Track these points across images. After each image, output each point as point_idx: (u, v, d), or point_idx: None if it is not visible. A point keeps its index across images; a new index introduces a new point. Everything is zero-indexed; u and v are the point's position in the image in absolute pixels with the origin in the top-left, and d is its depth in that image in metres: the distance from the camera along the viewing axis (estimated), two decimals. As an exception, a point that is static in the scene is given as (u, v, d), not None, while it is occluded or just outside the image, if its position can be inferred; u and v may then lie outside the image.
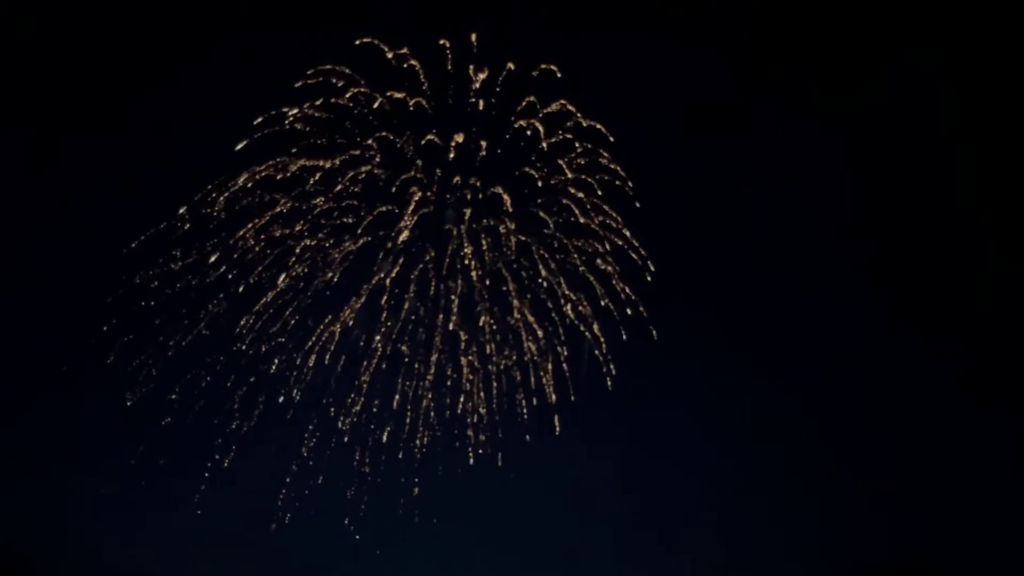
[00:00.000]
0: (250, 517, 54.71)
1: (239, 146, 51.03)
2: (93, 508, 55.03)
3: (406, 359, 53.68)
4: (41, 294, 53.96)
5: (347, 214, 52.30)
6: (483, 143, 52.08)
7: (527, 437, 54.40)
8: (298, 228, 52.02)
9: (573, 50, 53.54)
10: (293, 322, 52.60)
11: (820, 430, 58.95)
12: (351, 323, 52.94)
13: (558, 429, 54.28)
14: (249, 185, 51.56)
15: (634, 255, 53.32)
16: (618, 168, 52.93)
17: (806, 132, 57.52)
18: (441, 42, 51.59)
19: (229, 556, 55.33)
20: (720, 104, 57.26)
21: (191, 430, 53.00)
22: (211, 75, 53.87)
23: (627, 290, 53.47)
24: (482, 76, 51.52)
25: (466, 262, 52.93)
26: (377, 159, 51.96)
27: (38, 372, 53.84)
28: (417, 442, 54.10)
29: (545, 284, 53.47)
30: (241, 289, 52.04)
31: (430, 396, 53.81)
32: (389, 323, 53.18)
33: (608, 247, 53.34)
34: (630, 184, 53.10)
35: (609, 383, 54.27)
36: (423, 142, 52.05)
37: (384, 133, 51.89)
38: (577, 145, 52.82)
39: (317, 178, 51.94)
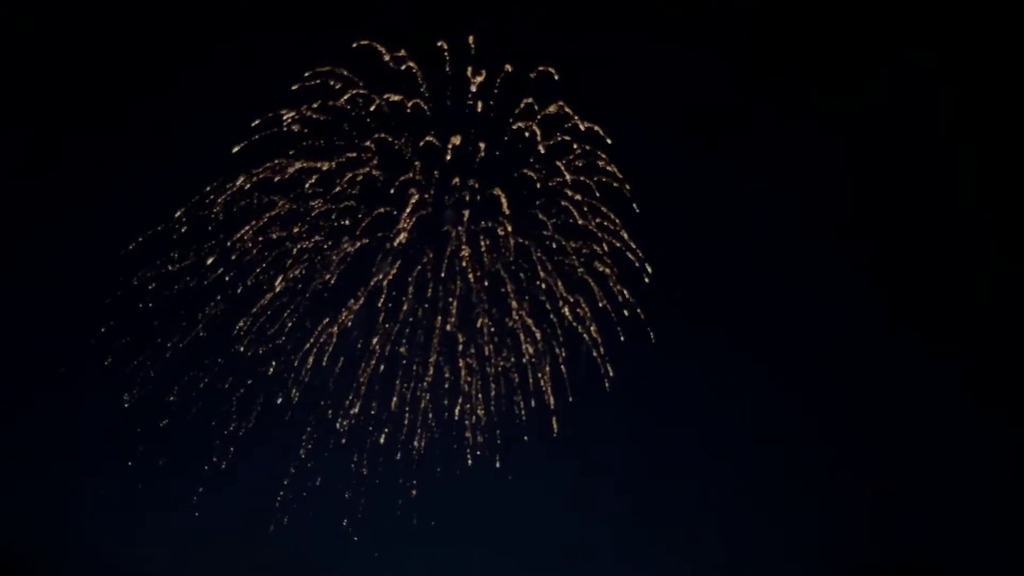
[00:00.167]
0: (248, 518, 54.89)
1: (236, 148, 50.99)
2: (92, 509, 55.31)
3: (404, 361, 53.63)
4: (40, 295, 54.02)
5: (345, 216, 52.25)
6: (481, 145, 52.01)
7: (525, 438, 54.41)
8: (296, 230, 52.01)
9: (572, 50, 53.51)
10: (291, 324, 52.65)
11: (820, 430, 59.00)
12: (349, 325, 52.93)
13: (556, 431, 54.28)
14: (247, 187, 51.56)
15: (632, 257, 53.30)
16: (615, 170, 52.91)
17: (806, 132, 57.35)
18: (439, 44, 51.49)
19: (228, 557, 55.45)
20: (720, 104, 57.13)
21: (189, 431, 53.16)
22: (209, 77, 53.89)
23: (625, 292, 53.43)
24: (479, 79, 51.39)
25: (464, 264, 52.84)
26: (375, 161, 51.92)
27: (37, 372, 53.80)
28: (415, 444, 54.12)
29: (544, 286, 53.44)
30: (239, 291, 52.05)
31: (428, 398, 53.85)
32: (387, 325, 53.18)
33: (606, 248, 53.32)
34: (627, 186, 52.99)
35: (607, 385, 54.27)
36: (421, 143, 52.03)
37: (382, 135, 51.83)
38: (575, 146, 52.76)
39: (315, 180, 51.90)
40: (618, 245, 53.17)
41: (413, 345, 53.41)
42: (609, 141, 52.87)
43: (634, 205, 53.19)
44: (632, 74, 55.49)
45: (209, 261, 51.53)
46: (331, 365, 53.09)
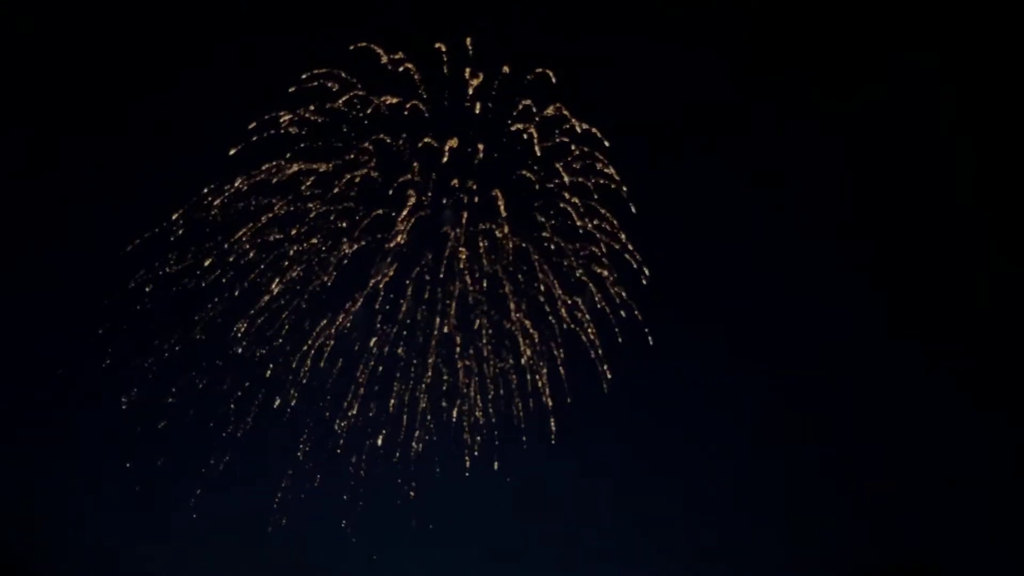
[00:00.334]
0: (247, 519, 54.87)
1: (233, 151, 51.02)
2: (92, 510, 55.33)
3: (402, 363, 53.62)
4: (38, 296, 54.03)
5: (343, 217, 52.26)
6: (480, 146, 51.99)
7: (523, 439, 54.42)
8: (294, 232, 51.98)
9: (572, 50, 53.51)
10: (289, 326, 52.60)
11: (820, 430, 58.75)
12: (348, 327, 52.93)
13: (554, 433, 54.26)
14: (244, 189, 51.55)
15: (630, 258, 53.28)
16: (613, 172, 52.86)
17: (806, 132, 57.30)
18: (437, 46, 51.48)
19: (227, 558, 55.44)
20: (720, 104, 57.10)
21: (188, 433, 53.15)
22: (207, 79, 53.91)
23: (623, 293, 53.44)
24: (475, 82, 51.37)
25: (461, 266, 52.86)
26: (373, 162, 51.91)
27: (36, 373, 53.87)
28: (414, 445, 54.14)
29: (542, 287, 53.41)
30: (237, 293, 52.08)
31: (426, 399, 53.79)
32: (385, 326, 53.18)
33: (604, 250, 53.33)
34: (624, 188, 53.00)
35: (605, 387, 54.30)
36: (420, 145, 51.99)
37: (380, 136, 51.83)
38: (573, 148, 52.75)
39: (313, 181, 51.89)
40: (616, 247, 53.14)
41: (411, 346, 53.41)
42: (607, 144, 52.78)
43: (631, 207, 53.10)
44: (632, 74, 55.41)
45: (207, 263, 51.50)
46: (329, 367, 53.15)
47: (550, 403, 53.99)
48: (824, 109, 56.84)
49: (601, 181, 52.89)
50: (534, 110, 51.94)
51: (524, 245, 52.89)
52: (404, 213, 52.12)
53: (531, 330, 53.66)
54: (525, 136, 51.96)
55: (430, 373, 53.69)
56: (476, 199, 52.30)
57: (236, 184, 51.50)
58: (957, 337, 58.18)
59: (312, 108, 51.42)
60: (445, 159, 51.50)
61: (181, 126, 53.63)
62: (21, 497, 54.57)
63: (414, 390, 53.69)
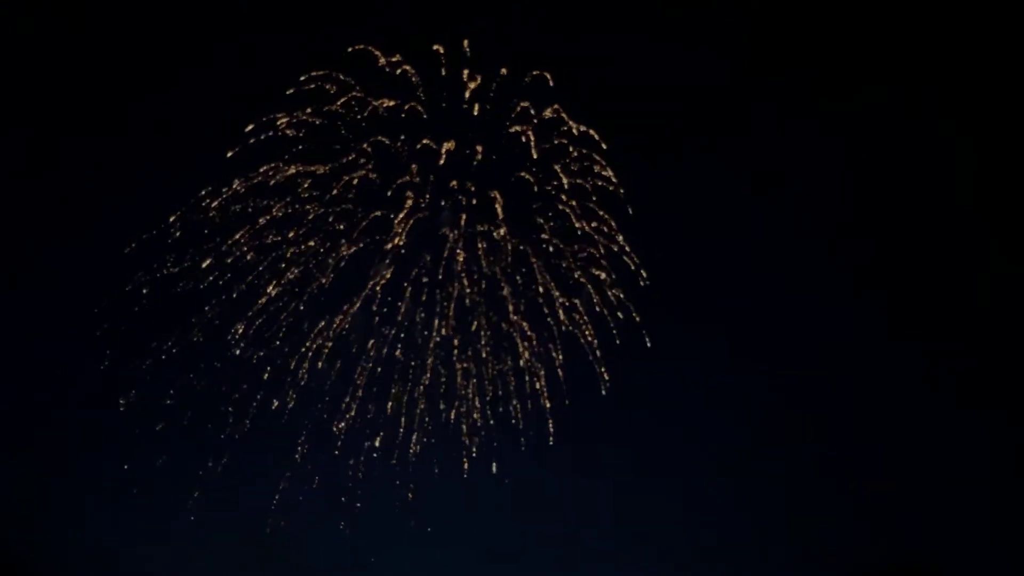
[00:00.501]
0: (246, 521, 54.90)
1: (231, 153, 51.05)
2: (90, 511, 55.28)
3: (400, 364, 53.65)
4: (37, 297, 54.09)
5: (341, 219, 52.26)
6: (478, 148, 51.98)
7: (522, 440, 54.42)
8: (292, 234, 51.99)
9: (571, 50, 53.51)
10: (287, 327, 52.60)
11: (820, 430, 58.71)
12: (346, 328, 52.91)
13: (552, 434, 54.27)
14: (242, 191, 51.58)
15: (628, 260, 53.30)
16: (611, 174, 52.86)
17: (806, 132, 57.29)
18: (435, 48, 51.50)
19: (225, 559, 55.47)
20: (720, 104, 57.11)
21: (186, 434, 53.11)
22: (205, 81, 53.97)
23: (621, 295, 53.46)
24: (473, 85, 51.38)
25: (459, 269, 52.90)
26: (371, 164, 51.91)
27: (35, 374, 53.99)
28: (412, 447, 54.14)
29: (540, 289, 53.42)
30: (235, 295, 52.09)
31: (424, 402, 53.83)
32: (384, 328, 53.18)
33: (602, 251, 53.33)
34: (622, 191, 53.02)
35: (603, 389, 54.33)
36: (418, 147, 51.98)
37: (378, 138, 51.82)
38: (571, 150, 52.73)
39: (311, 183, 51.88)
40: (615, 249, 53.13)
41: (410, 348, 53.40)
42: (604, 146, 52.77)
43: (629, 209, 53.13)
44: (632, 74, 55.35)
45: (205, 264, 51.51)
46: (328, 368, 53.10)
47: (548, 404, 53.94)
48: (824, 109, 56.76)
49: (599, 183, 52.83)
50: (532, 112, 51.89)
51: (522, 247, 52.90)
52: (402, 215, 52.10)
53: (529, 332, 53.64)
54: (523, 138, 51.87)
55: (428, 375, 53.71)
56: (474, 201, 52.23)
57: (234, 186, 51.48)
58: (957, 337, 58.02)
59: (310, 110, 51.39)
60: (442, 161, 51.36)
61: (179, 128, 53.67)
62: (20, 498, 54.49)
63: (412, 392, 53.62)
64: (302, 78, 51.42)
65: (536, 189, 52.61)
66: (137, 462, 53.52)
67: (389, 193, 52.19)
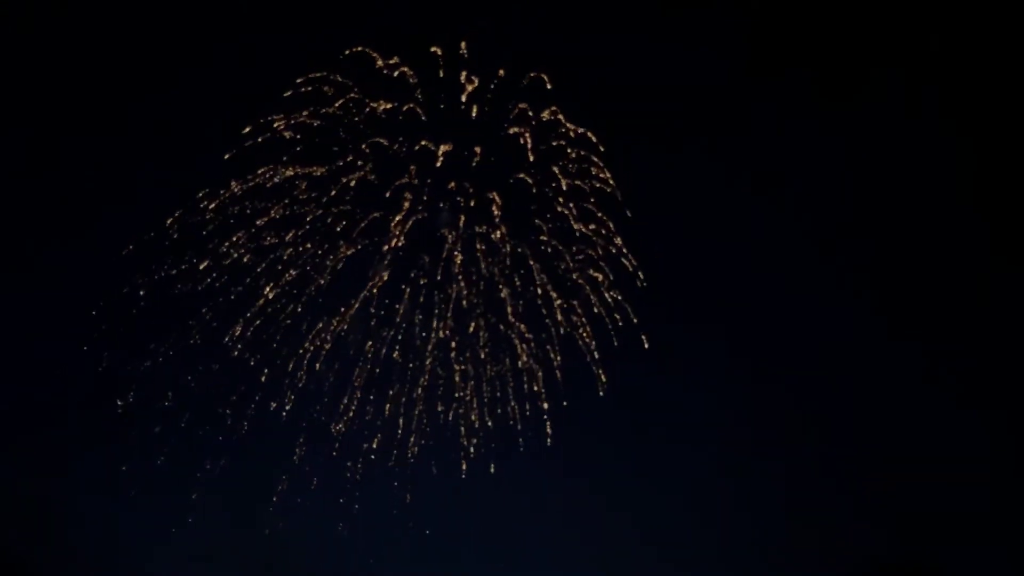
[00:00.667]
0: (244, 523, 54.98)
1: (228, 155, 51.10)
2: (90, 512, 55.32)
3: (399, 366, 53.70)
4: (35, 298, 54.09)
5: (339, 221, 52.29)
6: (477, 149, 52.00)
7: (520, 441, 54.48)
8: (289, 236, 52.05)
9: (571, 51, 53.52)
10: (285, 329, 52.64)
11: (820, 430, 58.70)
12: (344, 330, 52.94)
13: (550, 436, 54.31)
14: (239, 193, 51.60)
15: (626, 262, 53.33)
16: (608, 176, 52.90)
17: (806, 132, 57.27)
18: (432, 50, 51.51)
19: (223, 561, 55.51)
20: (720, 104, 57.10)
21: (184, 436, 53.20)
22: (202, 83, 53.96)
23: (619, 297, 53.49)
24: (471, 87, 51.40)
25: (456, 271, 52.94)
26: (369, 165, 51.94)
27: (33, 375, 54.02)
28: (410, 449, 54.17)
29: (539, 291, 53.45)
30: (233, 297, 52.13)
31: (423, 403, 53.87)
32: (382, 330, 53.21)
33: (600, 252, 53.36)
34: (619, 192, 53.08)
35: (601, 392, 54.39)
36: (416, 148, 52.00)
37: (376, 139, 51.86)
38: (570, 151, 52.77)
39: (308, 185, 51.90)
40: (612, 250, 53.16)
41: (407, 350, 53.44)
42: (602, 148, 52.83)
43: (627, 211, 53.15)
44: (631, 74, 55.35)
45: (202, 266, 51.55)
46: (325, 370, 53.09)
47: (546, 406, 53.96)
48: (824, 109, 56.76)
49: (596, 184, 52.86)
50: (530, 113, 51.88)
51: (519, 249, 52.94)
52: (400, 216, 52.10)
53: (527, 333, 53.66)
54: (521, 140, 51.86)
55: (427, 376, 53.72)
56: (472, 202, 52.28)
57: (232, 188, 51.47)
58: (957, 337, 57.94)
59: (307, 112, 51.41)
60: (440, 163, 51.39)
61: (176, 129, 53.67)
62: (19, 498, 54.53)
63: (411, 393, 53.64)
64: (299, 80, 51.41)
65: (535, 191, 52.57)
66: (136, 463, 53.55)
67: (387, 194, 52.17)
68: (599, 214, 53.36)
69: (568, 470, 56.32)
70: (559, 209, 53.04)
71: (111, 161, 54.66)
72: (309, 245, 52.14)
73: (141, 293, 52.05)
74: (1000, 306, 57.47)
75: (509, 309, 53.50)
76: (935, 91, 56.81)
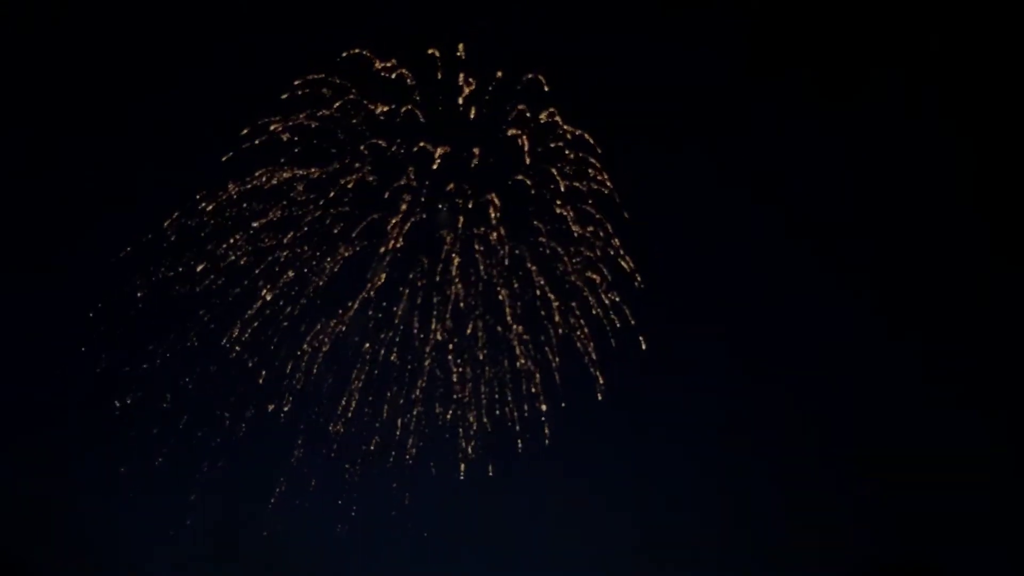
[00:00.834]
0: (243, 524, 55.03)
1: (225, 157, 51.14)
2: (88, 513, 55.27)
3: (396, 368, 53.72)
4: (33, 299, 54.10)
5: (338, 222, 52.33)
6: (476, 151, 52.03)
7: (518, 443, 54.49)
8: (288, 238, 52.10)
9: (570, 51, 53.55)
10: (283, 331, 52.66)
11: (820, 430, 58.68)
12: (342, 332, 52.99)
13: (548, 437, 54.38)
14: (236, 195, 51.66)
15: (624, 263, 53.34)
16: (606, 178, 52.95)
17: (806, 132, 57.25)
18: (430, 51, 51.54)
19: (222, 562, 55.57)
20: (720, 104, 57.09)
21: (182, 437, 53.28)
22: (199, 85, 54.05)
23: (617, 298, 53.51)
24: (468, 90, 51.42)
25: (453, 273, 52.96)
26: (367, 167, 51.97)
27: (30, 377, 54.06)
28: (408, 451, 54.23)
29: (537, 292, 53.49)
30: (231, 298, 52.19)
31: (421, 404, 53.91)
32: (380, 331, 53.25)
33: (598, 253, 53.40)
34: (617, 194, 53.13)
35: (599, 394, 54.42)
36: (415, 149, 52.04)
37: (375, 141, 51.89)
38: (568, 153, 52.79)
39: (306, 187, 51.96)
40: (611, 252, 53.17)
41: (405, 352, 53.47)
42: (599, 150, 52.89)
43: (625, 213, 53.19)
44: (631, 75, 55.35)
45: (200, 268, 51.62)
46: (324, 372, 53.12)
47: (544, 407, 53.97)
48: (824, 109, 56.70)
49: (594, 186, 52.87)
50: (528, 115, 51.89)
51: (517, 251, 52.95)
52: (399, 218, 52.14)
53: (525, 335, 53.69)
54: (520, 142, 51.89)
55: (425, 379, 53.74)
56: (470, 204, 52.31)
57: (229, 189, 51.52)
58: (957, 337, 57.87)
59: (305, 114, 51.45)
60: (435, 166, 51.45)
61: (174, 131, 53.68)
62: (19, 498, 54.62)
63: (409, 395, 53.69)
64: (297, 82, 51.45)
65: (533, 192, 52.63)
66: (134, 464, 53.55)
67: (386, 196, 52.22)
68: (597, 215, 53.33)
69: (567, 471, 56.28)
70: (557, 211, 52.97)
71: (110, 162, 54.59)
72: (307, 247, 52.26)
73: (139, 295, 52.12)
74: (1000, 306, 57.30)
75: (507, 310, 53.52)
76: (935, 91, 56.58)
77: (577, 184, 53.16)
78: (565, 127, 52.41)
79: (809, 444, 58.29)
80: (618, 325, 53.93)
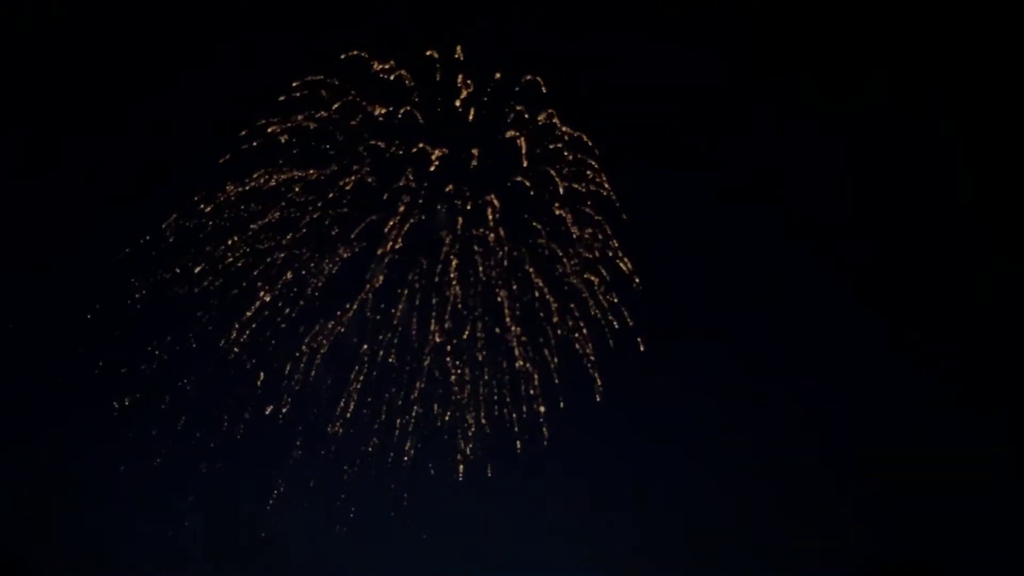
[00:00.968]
0: (241, 525, 55.02)
1: (223, 159, 51.19)
2: (87, 513, 55.29)
3: (395, 369, 53.73)
4: (33, 298, 54.12)
5: (336, 224, 52.37)
6: (474, 152, 52.07)
7: (517, 444, 54.54)
8: (286, 239, 52.13)
9: (570, 51, 53.57)
10: (281, 332, 52.72)
11: (819, 430, 58.66)
12: (341, 333, 53.02)
13: (547, 439, 54.43)
14: (234, 197, 51.70)
15: (622, 265, 53.35)
16: (604, 179, 52.98)
17: (806, 132, 57.23)
18: (428, 53, 51.57)
19: (220, 563, 55.62)
20: (720, 104, 57.08)
21: (180, 439, 53.36)
22: (196, 86, 54.04)
23: (615, 300, 53.57)
24: (466, 92, 51.43)
25: (452, 274, 52.96)
26: (366, 168, 51.99)
27: (29, 377, 54.09)
28: (406, 452, 54.25)
29: (536, 294, 53.54)
30: (229, 300, 52.23)
31: (419, 406, 53.92)
32: (379, 333, 53.30)
33: (597, 255, 53.43)
34: (614, 196, 53.14)
35: (597, 395, 54.48)
36: (414, 151, 52.07)
37: (373, 142, 51.90)
38: (566, 154, 52.82)
39: (305, 188, 52.00)
40: (609, 254, 53.19)
41: (404, 353, 53.49)
42: (597, 152, 52.96)
43: (623, 214, 53.22)
44: (631, 75, 55.35)
45: (198, 270, 51.70)
46: (322, 373, 53.14)
47: (543, 408, 54.02)
48: (824, 109, 56.66)
49: (592, 188, 52.90)
50: (526, 116, 51.93)
51: (515, 253, 52.97)
52: (397, 219, 52.16)
53: (523, 336, 53.73)
54: (518, 143, 51.93)
55: (423, 380, 53.77)
56: (468, 206, 52.35)
57: (228, 191, 51.56)
58: (957, 337, 57.84)
59: (303, 115, 51.50)
60: (434, 167, 51.48)
61: (172, 133, 53.64)
62: (19, 499, 54.69)
63: (408, 396, 53.76)
64: (295, 83, 51.49)
65: (532, 193, 52.64)
66: (133, 465, 53.58)
67: (385, 197, 52.23)
68: (596, 217, 53.38)
69: (565, 472, 56.31)
70: (556, 212, 52.99)
71: (108, 163, 54.59)
72: (306, 248, 52.28)
73: (138, 295, 52.12)
74: (1000, 306, 57.23)
75: (506, 312, 53.52)
76: (935, 91, 56.52)
77: (576, 185, 53.25)
78: (564, 128, 52.48)
79: (809, 444, 58.19)
80: (617, 326, 53.98)
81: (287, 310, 52.70)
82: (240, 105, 52.31)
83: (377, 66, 51.64)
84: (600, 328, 53.98)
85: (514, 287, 53.50)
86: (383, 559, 55.89)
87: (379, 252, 52.61)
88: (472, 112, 52.09)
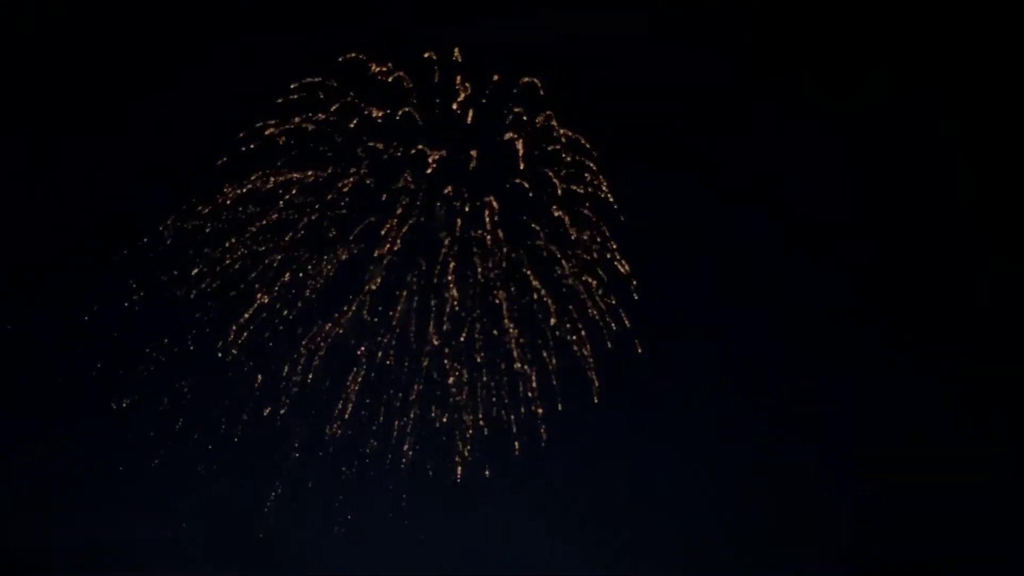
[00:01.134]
0: (240, 525, 55.05)
1: (221, 161, 51.23)
2: (87, 514, 55.34)
3: (393, 370, 53.75)
4: (31, 300, 54.15)
5: (334, 225, 52.39)
6: (473, 153, 52.07)
7: (515, 445, 54.52)
8: (284, 241, 52.16)
9: (569, 51, 53.53)
10: (279, 334, 52.75)
11: (819, 431, 58.62)
12: (339, 335, 53.04)
13: (545, 440, 54.44)
14: (233, 198, 51.72)
15: (620, 266, 53.35)
16: (602, 181, 52.97)
17: (806, 132, 57.19)
18: (426, 54, 51.60)
19: (218, 564, 55.65)
20: (720, 104, 57.05)
21: (179, 439, 53.40)
22: (195, 87, 54.05)
23: (613, 301, 53.56)
24: (464, 93, 51.44)
25: (449, 277, 52.98)
26: (364, 170, 52.01)
27: (27, 378, 54.15)
28: (405, 453, 54.26)
29: (536, 295, 53.54)
30: (227, 302, 52.22)
31: (417, 407, 53.94)
32: (377, 334, 53.30)
33: (595, 256, 53.40)
34: (612, 198, 53.12)
35: (595, 396, 54.46)
36: (412, 152, 52.09)
37: (372, 143, 51.91)
38: (564, 156, 52.82)
39: (303, 190, 52.01)
40: (608, 256, 53.18)
41: (402, 354, 53.49)
42: (595, 154, 52.93)
43: (622, 216, 53.24)
44: (631, 75, 55.35)
45: (195, 272, 51.74)
46: (320, 375, 53.18)
47: (541, 410, 54.01)
48: (824, 109, 56.62)
49: (590, 190, 52.90)
50: (525, 118, 51.96)
51: (514, 255, 53.00)
52: (395, 221, 52.19)
53: (522, 338, 53.73)
54: (516, 145, 51.94)
55: (422, 380, 53.78)
56: (467, 208, 52.38)
57: (226, 192, 51.62)
58: (957, 337, 57.80)
59: (301, 117, 51.53)
60: (431, 170, 51.50)
61: (169, 134, 53.65)
62: (19, 499, 54.76)
63: (406, 397, 53.80)
64: (293, 85, 51.52)
65: (530, 195, 52.64)
66: (130, 466, 53.64)
67: (383, 198, 52.22)
68: (594, 218, 53.40)
69: (564, 473, 56.34)
70: (554, 214, 52.99)
71: (107, 164, 54.64)
72: (304, 250, 52.22)
73: (135, 297, 52.15)
74: (1000, 306, 57.17)
75: (504, 313, 53.53)
76: (935, 91, 56.48)
77: (574, 187, 53.25)
78: (562, 130, 52.49)
79: (808, 444, 58.15)
80: (615, 328, 53.97)
81: (285, 311, 52.74)
82: (238, 107, 52.48)
83: (375, 68, 51.65)
84: (598, 330, 53.96)
85: (512, 289, 53.54)
86: (382, 560, 55.86)
87: (377, 254, 52.59)
88: (470, 114, 52.15)
